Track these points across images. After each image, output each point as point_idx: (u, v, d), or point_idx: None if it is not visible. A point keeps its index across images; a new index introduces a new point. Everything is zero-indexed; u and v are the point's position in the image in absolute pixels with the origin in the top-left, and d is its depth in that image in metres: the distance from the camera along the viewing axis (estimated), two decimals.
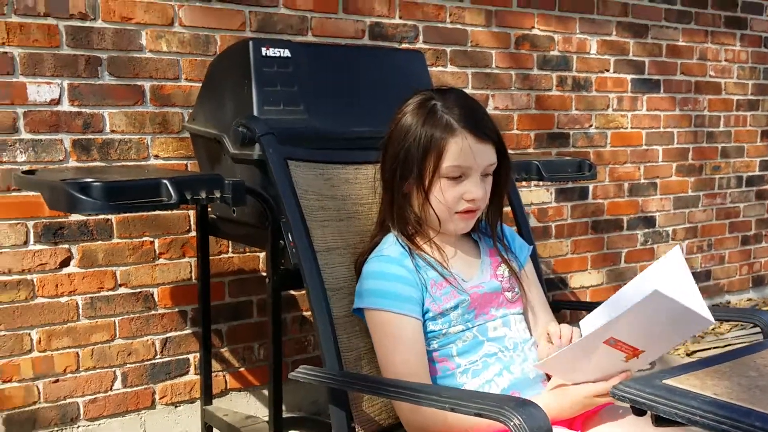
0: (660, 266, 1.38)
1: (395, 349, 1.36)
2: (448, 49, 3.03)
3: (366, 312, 1.41)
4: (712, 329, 3.80)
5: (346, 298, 1.48)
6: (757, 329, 3.96)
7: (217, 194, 1.78)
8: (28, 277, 2.26)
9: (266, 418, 2.38)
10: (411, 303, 1.37)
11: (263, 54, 2.10)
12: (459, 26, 3.05)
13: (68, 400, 2.35)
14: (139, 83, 2.39)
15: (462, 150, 1.37)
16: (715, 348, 3.54)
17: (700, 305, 1.22)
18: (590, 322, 1.44)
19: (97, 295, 2.36)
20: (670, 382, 0.97)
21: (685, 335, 1.25)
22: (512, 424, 1.01)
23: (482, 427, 1.30)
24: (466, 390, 1.34)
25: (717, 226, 4.04)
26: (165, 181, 1.70)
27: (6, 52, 2.19)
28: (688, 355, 3.43)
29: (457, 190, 1.40)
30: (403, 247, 1.43)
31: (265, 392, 2.70)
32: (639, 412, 0.96)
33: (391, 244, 1.44)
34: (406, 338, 1.36)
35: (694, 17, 3.78)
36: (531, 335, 1.51)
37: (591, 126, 3.48)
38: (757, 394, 0.93)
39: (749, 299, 4.25)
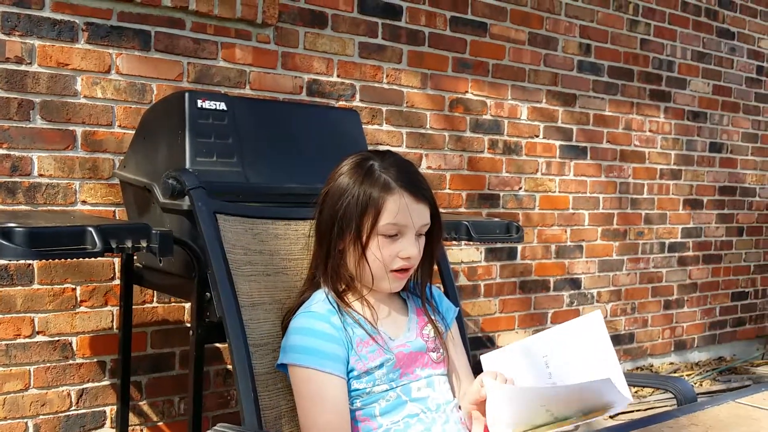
0: (580, 326, 1.41)
1: (317, 407, 1.36)
2: (384, 109, 3.09)
3: (290, 368, 1.40)
4: (635, 391, 3.88)
5: (270, 355, 1.48)
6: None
7: (144, 244, 1.76)
8: None
9: None
10: (335, 361, 1.38)
11: (199, 106, 2.11)
12: (395, 87, 3.11)
13: None
14: (71, 128, 2.36)
15: (399, 208, 1.41)
16: (637, 411, 3.61)
17: (621, 382, 1.25)
18: (492, 360, 1.46)
19: (12, 342, 2.29)
20: None
21: (605, 409, 1.28)
22: None
23: None
24: None
25: (640, 290, 4.16)
26: (90, 228, 1.67)
27: None
28: (611, 417, 3.49)
29: (392, 248, 1.42)
30: (332, 304, 1.44)
31: None
32: None
33: (319, 301, 1.45)
34: (329, 397, 1.36)
35: (620, 89, 3.94)
36: (454, 397, 1.53)
37: (520, 188, 3.57)
38: None
39: (671, 363, 4.36)
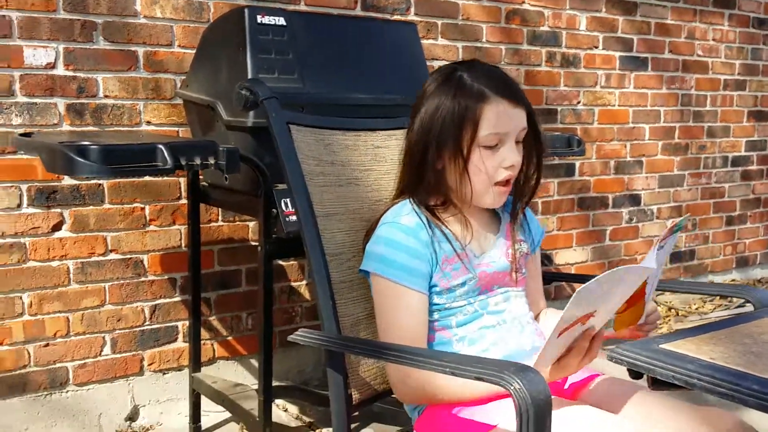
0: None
1: (396, 319, 1.36)
2: (439, 22, 3.03)
3: (372, 276, 1.40)
4: (696, 308, 3.86)
5: (345, 264, 1.49)
6: (740, 309, 3.99)
7: (212, 161, 1.79)
8: (21, 240, 2.25)
9: (254, 386, 2.40)
10: (419, 277, 1.37)
11: (259, 21, 2.10)
12: None
13: (58, 365, 2.35)
14: (132, 48, 2.37)
15: (498, 116, 1.35)
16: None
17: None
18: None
19: (87, 260, 2.36)
20: (666, 346, 1.00)
21: (633, 286, 1.24)
22: (512, 388, 1.02)
23: (467, 397, 1.31)
24: (466, 355, 1.35)
25: (702, 206, 4.09)
26: (160, 146, 1.70)
27: (4, 16, 2.17)
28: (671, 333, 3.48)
29: (495, 158, 1.38)
30: (420, 218, 1.40)
31: (253, 361, 2.71)
32: (636, 375, 0.98)
33: (408, 213, 1.42)
34: (409, 311, 1.36)
35: None
36: (530, 310, 1.51)
37: (579, 102, 3.50)
38: (753, 359, 0.96)
39: (733, 280, 4.31)
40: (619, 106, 3.65)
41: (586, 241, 3.65)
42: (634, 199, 3.80)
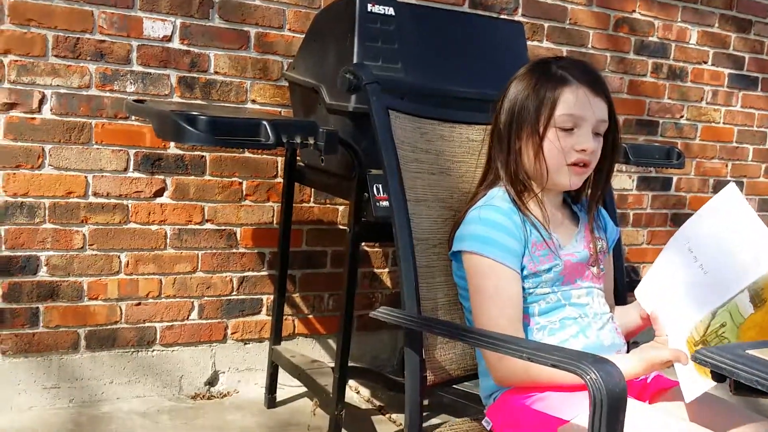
0: (716, 205, 1.37)
1: (493, 297, 1.38)
2: (546, 25, 3.02)
3: (467, 256, 1.42)
4: None
5: (429, 250, 1.52)
6: None
7: (311, 141, 1.85)
8: (124, 202, 2.37)
9: (331, 365, 2.45)
10: (514, 256, 1.39)
11: (368, 10, 2.14)
12: (559, 2, 3.03)
13: (147, 324, 2.47)
14: (245, 29, 2.46)
15: (577, 99, 1.39)
16: None
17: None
18: (644, 289, 1.45)
19: (184, 227, 2.47)
20: (752, 352, 0.98)
21: (754, 274, 1.22)
22: (588, 378, 1.03)
23: (561, 383, 1.31)
24: (546, 343, 1.36)
25: None
26: (264, 122, 1.77)
27: None
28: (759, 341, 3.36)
29: (569, 141, 1.41)
30: (512, 202, 1.45)
31: (330, 341, 2.77)
32: (719, 377, 0.97)
33: (499, 197, 1.46)
34: (506, 288, 1.38)
35: None
36: (610, 311, 1.52)
37: (682, 117, 3.43)
38: None
39: None
40: (723, 123, 3.55)
41: None
42: None
